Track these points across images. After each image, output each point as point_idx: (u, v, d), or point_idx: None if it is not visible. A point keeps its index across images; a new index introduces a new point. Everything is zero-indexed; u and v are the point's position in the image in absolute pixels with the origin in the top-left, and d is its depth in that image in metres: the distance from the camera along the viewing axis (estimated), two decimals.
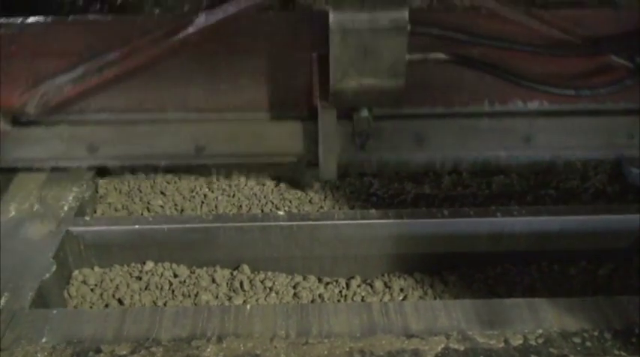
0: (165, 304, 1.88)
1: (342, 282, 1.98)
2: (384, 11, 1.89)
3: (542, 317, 1.59)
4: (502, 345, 1.52)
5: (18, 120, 2.22)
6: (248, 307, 1.64)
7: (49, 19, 2.08)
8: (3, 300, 1.68)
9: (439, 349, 1.51)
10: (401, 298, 1.92)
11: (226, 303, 1.89)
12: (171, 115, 2.25)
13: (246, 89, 2.22)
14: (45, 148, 2.22)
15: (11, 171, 2.24)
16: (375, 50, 1.93)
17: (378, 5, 1.89)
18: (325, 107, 2.11)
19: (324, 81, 2.04)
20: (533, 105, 2.26)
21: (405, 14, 1.89)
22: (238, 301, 1.89)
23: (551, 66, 2.17)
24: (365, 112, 2.12)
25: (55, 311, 1.66)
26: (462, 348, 1.51)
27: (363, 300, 1.93)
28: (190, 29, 2.06)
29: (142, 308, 1.81)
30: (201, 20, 2.06)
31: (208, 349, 1.52)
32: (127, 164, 2.27)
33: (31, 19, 2.08)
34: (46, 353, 1.52)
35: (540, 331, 1.56)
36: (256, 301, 1.91)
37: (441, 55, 2.07)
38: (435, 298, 1.92)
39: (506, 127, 2.25)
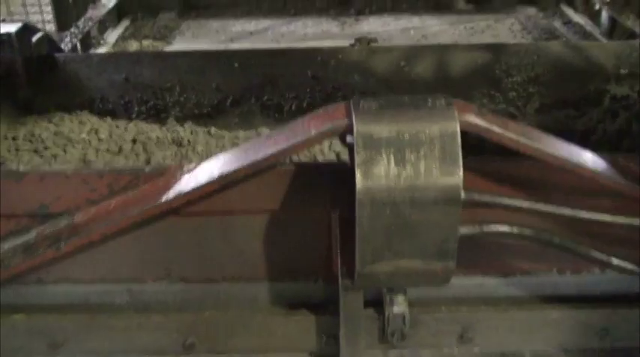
0: None
1: None
2: (429, 177, 1.40)
3: None
4: None
5: None
6: None
7: None
8: None
9: None
10: None
11: None
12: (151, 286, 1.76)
13: (246, 256, 1.73)
14: None
15: None
16: (418, 227, 1.43)
17: (421, 168, 1.40)
18: (349, 289, 1.60)
19: (348, 252, 1.55)
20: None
21: (458, 180, 1.40)
22: None
23: None
24: (401, 305, 1.61)
25: None
26: None
27: None
28: (173, 190, 1.57)
29: None
30: (188, 177, 1.58)
31: None
32: None
33: None
34: None
35: None
36: None
37: (504, 228, 1.57)
38: None
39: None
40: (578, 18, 4.10)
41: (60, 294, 1.78)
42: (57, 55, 2.57)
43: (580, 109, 2.44)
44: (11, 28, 2.30)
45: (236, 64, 2.50)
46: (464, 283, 1.75)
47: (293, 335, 1.72)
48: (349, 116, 1.45)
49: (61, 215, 1.65)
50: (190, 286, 1.77)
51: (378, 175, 1.40)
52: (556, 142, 1.58)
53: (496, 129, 1.48)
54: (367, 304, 1.66)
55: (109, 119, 2.40)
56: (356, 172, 1.40)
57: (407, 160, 1.40)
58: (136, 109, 2.44)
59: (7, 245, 1.69)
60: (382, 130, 1.42)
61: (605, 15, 3.55)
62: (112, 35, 3.98)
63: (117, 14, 4.18)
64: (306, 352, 1.75)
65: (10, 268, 1.66)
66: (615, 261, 1.63)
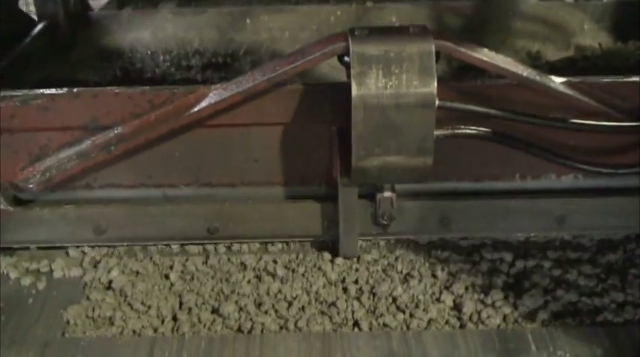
0: None
1: None
2: (410, 86, 1.76)
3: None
4: None
5: (19, 199, 2.09)
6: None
7: (53, 91, 1.96)
8: None
9: None
10: None
11: None
12: (183, 191, 2.12)
13: (261, 164, 2.09)
14: (49, 231, 2.11)
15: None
16: (401, 127, 1.79)
17: (403, 80, 1.76)
18: (346, 185, 1.97)
19: (345, 157, 1.91)
20: (568, 181, 2.12)
21: (433, 89, 1.76)
22: None
23: (588, 140, 2.02)
24: (389, 192, 1.97)
25: None
26: None
27: None
28: (203, 103, 1.92)
29: None
30: (215, 94, 1.93)
31: None
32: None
33: (34, 92, 1.96)
34: None
35: None
36: None
37: (471, 131, 1.93)
38: None
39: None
40: None
41: (105, 197, 2.14)
42: (91, 12, 2.93)
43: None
44: None
45: (248, 20, 2.86)
46: (441, 186, 2.12)
47: (299, 220, 2.08)
48: (346, 40, 1.81)
49: (110, 128, 2.00)
50: (215, 190, 2.13)
51: (369, 85, 1.76)
52: (519, 64, 1.93)
53: (464, 49, 1.84)
54: (361, 198, 2.03)
55: None
56: (352, 83, 1.77)
57: (392, 73, 1.76)
58: (161, 57, 2.79)
59: (65, 153, 2.04)
60: (372, 49, 1.78)
61: None
62: None
63: (117, 5, 4.21)
64: (310, 236, 2.12)
65: (67, 171, 2.02)
66: (569, 162, 2.00)
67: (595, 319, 1.90)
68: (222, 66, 2.78)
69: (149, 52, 2.81)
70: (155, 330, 1.91)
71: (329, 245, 2.13)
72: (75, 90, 1.98)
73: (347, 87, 1.79)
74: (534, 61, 2.70)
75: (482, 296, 1.96)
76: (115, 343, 1.86)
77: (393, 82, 1.76)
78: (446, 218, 2.09)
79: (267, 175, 2.11)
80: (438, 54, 1.79)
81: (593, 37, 2.82)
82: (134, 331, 1.90)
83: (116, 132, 1.98)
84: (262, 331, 1.89)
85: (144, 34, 2.85)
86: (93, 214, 2.10)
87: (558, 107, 1.94)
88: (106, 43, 2.83)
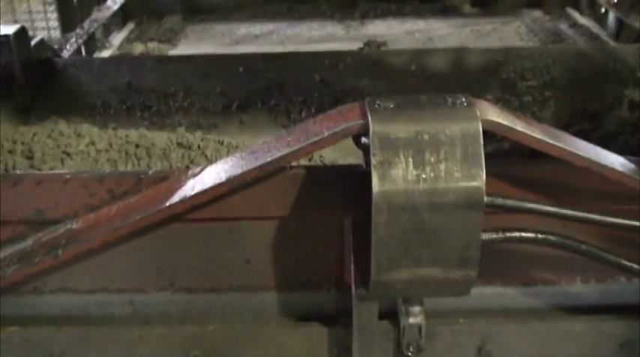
0: None
1: None
2: (450, 180, 1.31)
3: None
4: None
5: None
6: None
7: None
8: None
9: None
10: None
11: None
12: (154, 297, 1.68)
13: (254, 265, 1.65)
14: None
15: None
16: (437, 232, 1.35)
17: (442, 171, 1.31)
18: (363, 299, 1.52)
19: (362, 260, 1.46)
20: None
21: (480, 184, 1.32)
22: None
23: None
24: (417, 316, 1.52)
25: None
26: None
27: None
28: (177, 195, 1.48)
29: None
30: (193, 182, 1.50)
31: None
32: None
33: None
34: None
35: None
36: None
37: (528, 235, 1.48)
38: None
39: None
40: (584, 20, 4.06)
41: (58, 305, 1.70)
42: (56, 59, 2.50)
43: (596, 116, 2.37)
44: (9, 30, 2.22)
45: (241, 69, 2.43)
46: (482, 293, 1.67)
47: (303, 349, 1.63)
48: (364, 116, 1.37)
49: (59, 222, 1.57)
50: (195, 297, 1.69)
51: (395, 178, 1.32)
52: (580, 142, 1.50)
53: (520, 128, 1.40)
54: (381, 316, 1.58)
55: (110, 131, 2.33)
56: (372, 175, 1.32)
57: (426, 162, 1.32)
58: (138, 114, 2.36)
59: (3, 254, 1.61)
60: (400, 130, 1.34)
61: (612, 17, 3.52)
62: (117, 38, 3.97)
63: (122, 17, 4.15)
64: None
65: (5, 277, 1.58)
66: None
67: None
68: (211, 125, 2.36)
69: (125, 107, 2.38)
70: None
71: None
72: (15, 175, 1.56)
73: (365, 172, 1.36)
74: None
75: None
76: None
77: (427, 175, 1.32)
78: (486, 346, 1.63)
79: (261, 279, 1.67)
80: (485, 134, 1.35)
81: None
82: None
83: (66, 229, 1.55)
84: None
85: (119, 85, 2.42)
86: (43, 338, 1.66)
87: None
88: (73, 97, 2.39)
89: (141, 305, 1.70)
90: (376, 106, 1.38)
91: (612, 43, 3.41)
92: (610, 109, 2.36)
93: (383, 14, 4.37)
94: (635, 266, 1.53)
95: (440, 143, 1.32)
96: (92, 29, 3.43)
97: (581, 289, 1.68)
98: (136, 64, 2.44)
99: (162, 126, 2.34)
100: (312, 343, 1.63)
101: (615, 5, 3.53)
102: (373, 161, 1.32)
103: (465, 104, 1.38)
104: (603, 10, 3.77)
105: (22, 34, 2.25)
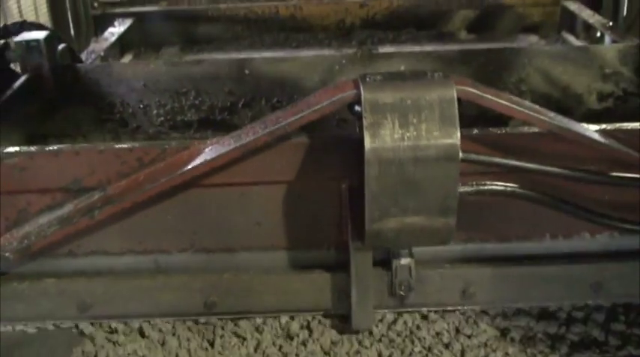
0: None
1: None
2: (430, 137, 1.56)
3: None
4: None
5: None
6: None
7: (30, 148, 1.76)
8: None
9: None
10: None
11: None
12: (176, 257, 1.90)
13: (264, 227, 1.88)
14: (28, 307, 1.88)
15: None
16: (420, 184, 1.59)
17: (423, 130, 1.56)
18: (359, 250, 1.75)
19: (357, 218, 1.70)
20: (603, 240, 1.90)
21: (456, 140, 1.56)
22: None
23: (627, 195, 1.80)
24: (406, 259, 1.76)
25: None
26: None
27: None
28: (197, 160, 1.72)
29: None
30: (210, 149, 1.73)
31: None
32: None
33: (9, 150, 1.76)
34: None
35: None
36: None
37: (498, 187, 1.72)
38: None
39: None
40: (580, 44, 4.03)
41: (89, 266, 1.92)
42: (79, 65, 2.75)
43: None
44: (40, 35, 2.47)
45: (247, 71, 2.68)
46: (464, 248, 1.90)
47: (307, 293, 1.86)
48: (357, 87, 1.62)
49: (94, 190, 1.79)
50: (212, 257, 1.91)
51: (384, 137, 1.56)
52: (547, 111, 1.73)
53: (489, 96, 1.65)
54: (375, 265, 1.81)
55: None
56: (364, 135, 1.56)
57: (410, 123, 1.56)
58: (154, 111, 2.60)
59: (43, 219, 1.83)
60: (387, 96, 1.58)
61: (608, 40, 3.56)
62: None
63: (120, 48, 4.12)
64: (319, 310, 1.89)
65: (46, 237, 1.79)
66: (607, 220, 1.78)
67: None
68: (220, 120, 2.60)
69: (141, 106, 2.62)
70: None
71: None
72: (54, 147, 1.79)
73: (359, 139, 1.59)
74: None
75: None
76: None
77: (410, 133, 1.56)
78: (470, 287, 1.86)
79: (270, 239, 1.90)
80: (459, 101, 1.60)
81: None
82: None
83: (101, 194, 1.77)
84: None
85: (136, 86, 2.66)
86: (77, 289, 1.88)
87: (593, 158, 1.74)
88: (94, 98, 2.63)
89: (165, 266, 1.92)
90: (367, 79, 1.63)
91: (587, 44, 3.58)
92: (580, 102, 2.61)
93: (380, 42, 4.49)
94: (596, 216, 1.76)
95: (421, 107, 1.57)
96: (90, 60, 3.47)
97: (550, 243, 1.91)
98: (151, 69, 2.68)
99: (175, 121, 2.57)
100: (316, 287, 1.85)
101: (610, 29, 3.58)
102: (365, 123, 1.57)
103: (442, 76, 1.63)
104: (599, 33, 3.81)
105: (51, 39, 2.50)
